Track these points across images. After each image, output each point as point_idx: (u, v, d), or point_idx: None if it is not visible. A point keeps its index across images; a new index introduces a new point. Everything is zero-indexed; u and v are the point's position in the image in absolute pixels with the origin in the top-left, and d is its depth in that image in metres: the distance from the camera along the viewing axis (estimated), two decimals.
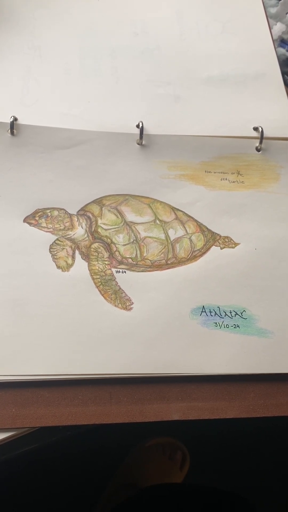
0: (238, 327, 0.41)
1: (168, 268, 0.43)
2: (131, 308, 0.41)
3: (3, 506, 0.77)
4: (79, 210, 0.45)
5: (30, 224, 0.43)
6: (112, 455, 0.84)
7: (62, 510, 0.80)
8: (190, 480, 0.83)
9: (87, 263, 0.42)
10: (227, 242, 0.45)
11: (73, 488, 0.82)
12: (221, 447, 0.88)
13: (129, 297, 0.41)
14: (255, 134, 0.50)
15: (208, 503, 0.60)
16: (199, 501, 0.61)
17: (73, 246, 0.43)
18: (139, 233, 0.44)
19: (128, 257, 0.43)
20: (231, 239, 0.45)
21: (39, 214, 0.44)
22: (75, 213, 0.44)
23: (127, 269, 0.43)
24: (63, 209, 0.44)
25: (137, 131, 0.48)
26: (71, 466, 0.82)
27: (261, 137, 0.49)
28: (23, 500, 0.79)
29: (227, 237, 0.45)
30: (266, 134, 0.50)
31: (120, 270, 0.43)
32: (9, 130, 0.47)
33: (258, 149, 0.50)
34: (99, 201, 0.45)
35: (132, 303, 0.41)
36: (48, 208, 0.44)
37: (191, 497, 0.62)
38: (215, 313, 0.41)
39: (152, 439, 0.84)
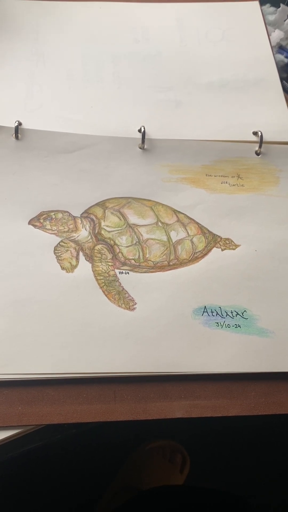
0: (239, 327, 0.42)
1: (170, 269, 0.44)
2: (134, 308, 0.42)
3: (7, 502, 0.77)
4: (83, 213, 0.46)
5: (35, 226, 0.44)
6: (113, 458, 0.84)
7: (63, 511, 0.80)
8: (190, 483, 0.83)
9: (91, 265, 0.43)
10: (228, 244, 0.46)
11: (74, 490, 0.82)
12: (221, 450, 0.88)
13: (132, 298, 0.42)
14: (254, 138, 0.51)
15: (208, 505, 0.60)
16: (200, 502, 0.61)
17: (77, 248, 0.44)
18: (141, 235, 0.45)
19: (131, 259, 0.44)
20: (232, 241, 0.46)
21: (44, 216, 0.44)
22: (79, 216, 0.45)
23: (130, 270, 0.44)
24: (67, 211, 0.45)
25: (139, 135, 0.49)
26: (72, 467, 0.82)
27: (261, 141, 0.50)
28: (26, 498, 0.79)
29: (227, 239, 0.46)
30: (265, 138, 0.50)
31: (123, 271, 0.43)
32: (14, 135, 0.47)
33: (257, 153, 0.51)
34: (102, 204, 0.46)
35: (135, 304, 0.42)
36: (52, 211, 0.45)
37: (191, 499, 0.62)
38: (217, 313, 0.42)
39: (153, 441, 0.84)
